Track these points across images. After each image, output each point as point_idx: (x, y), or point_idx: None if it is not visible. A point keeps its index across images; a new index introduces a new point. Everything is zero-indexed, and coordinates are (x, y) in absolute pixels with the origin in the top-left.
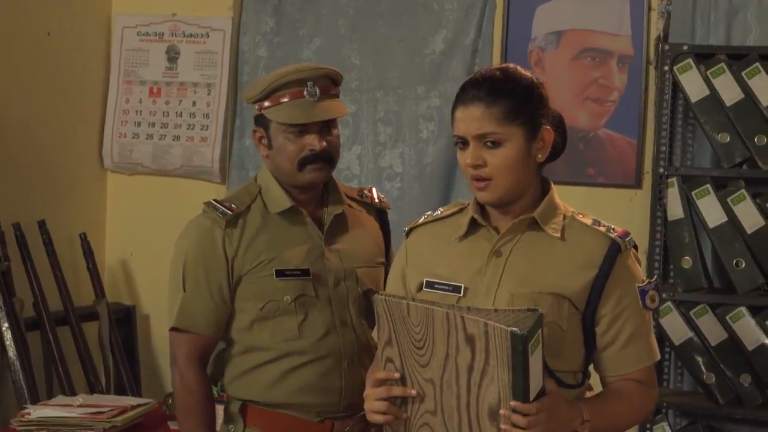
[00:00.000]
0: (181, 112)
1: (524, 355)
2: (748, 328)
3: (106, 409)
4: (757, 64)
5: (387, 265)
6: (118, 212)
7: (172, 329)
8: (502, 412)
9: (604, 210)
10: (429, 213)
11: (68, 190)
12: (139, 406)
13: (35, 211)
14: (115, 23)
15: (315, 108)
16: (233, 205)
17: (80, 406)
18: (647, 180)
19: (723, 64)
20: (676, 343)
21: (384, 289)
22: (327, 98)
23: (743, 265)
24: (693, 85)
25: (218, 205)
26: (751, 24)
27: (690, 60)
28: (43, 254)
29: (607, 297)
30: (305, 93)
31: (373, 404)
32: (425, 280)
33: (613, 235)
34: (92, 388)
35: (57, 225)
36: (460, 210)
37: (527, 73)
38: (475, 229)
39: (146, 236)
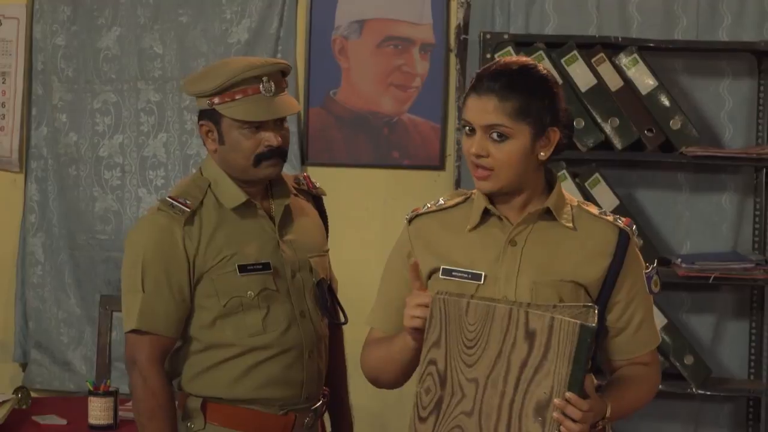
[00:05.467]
0: None
1: (589, 348)
2: None
3: None
4: (575, 51)
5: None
6: None
7: (132, 331)
8: (556, 401)
9: (410, 191)
10: (432, 202)
11: None
12: (6, 401)
13: None
14: None
15: (272, 104)
16: (188, 201)
17: None
18: (450, 161)
19: (542, 52)
20: None
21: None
22: (280, 92)
23: None
24: None
25: (174, 202)
26: (549, 13)
27: (510, 48)
28: None
29: (621, 285)
30: (261, 89)
31: (414, 310)
32: (442, 267)
33: (621, 224)
34: None
35: None
36: (465, 200)
37: (545, 71)
38: (486, 219)
39: None
